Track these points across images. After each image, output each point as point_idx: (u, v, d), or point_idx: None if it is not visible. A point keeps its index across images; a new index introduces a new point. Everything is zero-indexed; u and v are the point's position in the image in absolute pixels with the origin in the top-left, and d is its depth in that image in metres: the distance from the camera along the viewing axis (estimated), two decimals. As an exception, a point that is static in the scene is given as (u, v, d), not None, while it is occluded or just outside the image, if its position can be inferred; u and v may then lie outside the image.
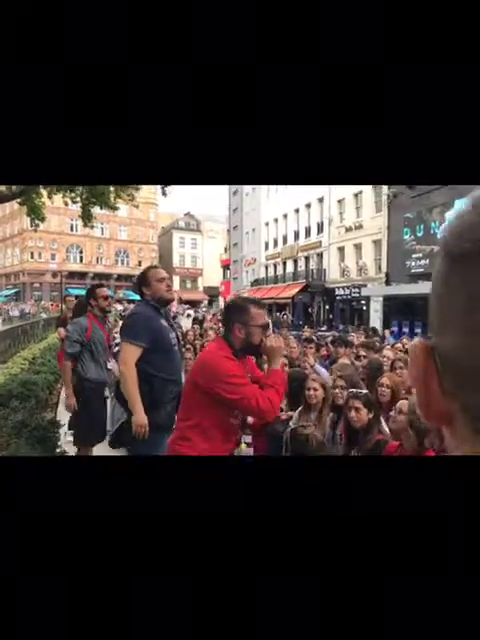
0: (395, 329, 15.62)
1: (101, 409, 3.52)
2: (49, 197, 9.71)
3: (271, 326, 2.07)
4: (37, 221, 10.25)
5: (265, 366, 2.32)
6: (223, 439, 1.95)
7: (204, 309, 24.90)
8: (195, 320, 10.13)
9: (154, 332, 2.51)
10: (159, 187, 9.16)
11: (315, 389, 2.83)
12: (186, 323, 8.18)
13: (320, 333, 13.62)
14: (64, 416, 4.18)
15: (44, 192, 9.50)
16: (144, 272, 2.76)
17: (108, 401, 3.59)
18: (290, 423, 2.85)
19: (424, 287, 14.05)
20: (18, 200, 9.67)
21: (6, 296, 36.87)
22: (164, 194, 9.24)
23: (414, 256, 15.45)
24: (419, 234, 15.25)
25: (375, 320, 16.96)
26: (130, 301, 31.14)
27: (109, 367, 3.56)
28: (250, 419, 2.48)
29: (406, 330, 15.11)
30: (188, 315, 9.71)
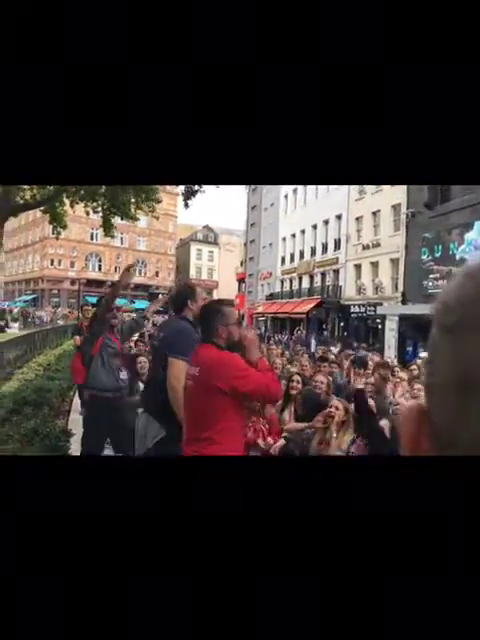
0: (410, 349, 15.43)
1: (103, 423, 3.34)
2: (71, 206, 9.91)
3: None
4: (59, 229, 10.46)
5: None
6: (242, 435, 2.09)
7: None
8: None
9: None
10: (181, 199, 9.27)
11: (337, 408, 2.82)
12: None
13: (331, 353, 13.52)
14: (75, 425, 4.21)
15: (67, 201, 9.70)
16: (192, 288, 2.89)
17: (139, 417, 3.32)
18: (303, 434, 2.85)
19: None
20: (41, 208, 9.88)
21: (25, 301, 37.47)
22: (186, 206, 9.34)
23: (431, 276, 15.30)
24: (437, 254, 15.12)
25: (390, 339, 16.78)
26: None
27: (121, 376, 3.49)
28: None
29: (421, 350, 14.92)
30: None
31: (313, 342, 15.85)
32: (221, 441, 1.95)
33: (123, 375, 3.54)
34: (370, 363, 4.78)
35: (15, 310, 28.33)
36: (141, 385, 4.68)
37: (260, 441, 2.88)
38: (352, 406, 2.96)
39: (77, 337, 5.62)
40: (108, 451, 3.48)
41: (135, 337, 5.28)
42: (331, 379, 4.00)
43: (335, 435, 2.75)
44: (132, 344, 5.32)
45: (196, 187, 8.88)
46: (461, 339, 0.26)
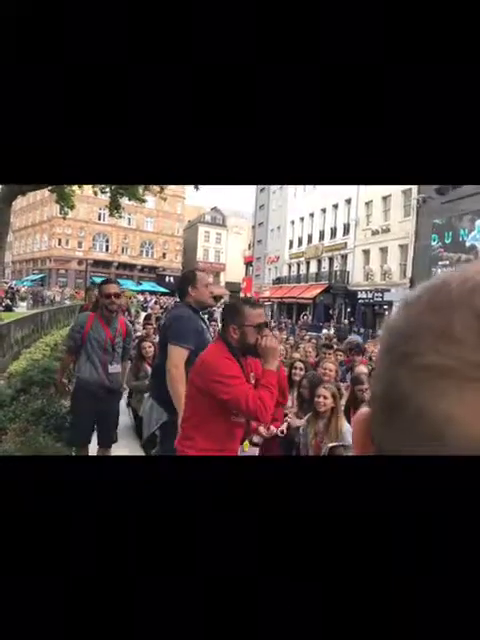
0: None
1: (89, 411, 3.35)
2: (79, 186, 9.89)
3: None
4: (66, 209, 10.46)
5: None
6: (225, 438, 1.98)
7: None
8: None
9: (198, 334, 2.60)
10: (191, 181, 9.21)
11: (325, 397, 2.84)
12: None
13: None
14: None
15: (75, 181, 9.67)
16: (193, 274, 2.83)
17: (145, 402, 3.31)
18: (300, 430, 2.87)
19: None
20: (49, 188, 9.86)
21: (32, 280, 37.64)
22: (197, 188, 9.26)
23: (440, 263, 15.17)
24: (447, 241, 14.97)
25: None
26: (152, 293, 31.36)
27: (111, 370, 3.34)
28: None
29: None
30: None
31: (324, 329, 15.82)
32: (193, 435, 1.94)
33: (113, 368, 3.36)
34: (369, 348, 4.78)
35: (23, 289, 28.50)
36: (148, 368, 4.69)
37: (262, 428, 2.90)
38: (344, 388, 2.98)
39: None
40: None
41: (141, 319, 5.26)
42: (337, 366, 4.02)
43: (328, 424, 2.77)
44: (140, 326, 5.31)
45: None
46: (389, 364, 0.28)
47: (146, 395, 3.38)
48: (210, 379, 1.89)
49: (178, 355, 2.54)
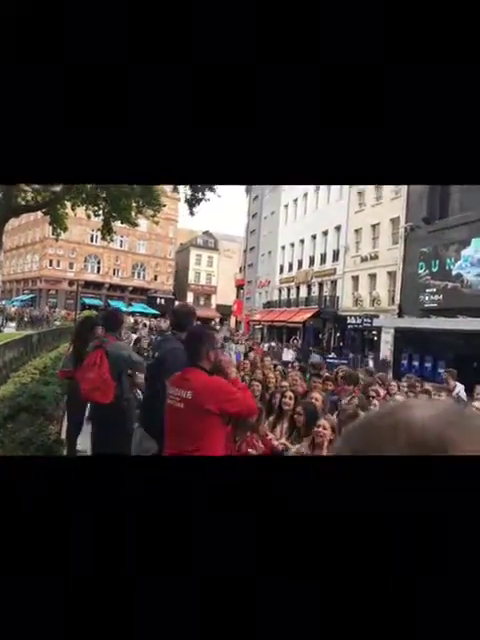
0: (405, 362, 15.50)
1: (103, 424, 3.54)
2: (73, 209, 9.93)
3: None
4: (59, 230, 10.47)
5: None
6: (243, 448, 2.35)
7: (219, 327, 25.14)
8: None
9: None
10: (182, 204, 9.31)
11: (325, 428, 2.87)
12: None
13: (329, 360, 13.56)
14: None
15: (68, 204, 9.72)
16: (193, 311, 3.04)
17: (134, 432, 3.40)
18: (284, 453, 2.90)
19: (436, 322, 13.96)
20: (42, 210, 9.90)
21: (22, 301, 37.38)
22: (192, 214, 9.36)
23: (428, 291, 15.40)
24: (434, 269, 15.22)
25: (385, 351, 16.84)
26: (143, 314, 31.19)
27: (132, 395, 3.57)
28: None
29: (416, 363, 14.98)
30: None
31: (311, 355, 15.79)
32: (205, 452, 2.07)
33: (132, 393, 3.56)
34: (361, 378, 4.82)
35: (12, 309, 28.26)
36: (139, 393, 4.67)
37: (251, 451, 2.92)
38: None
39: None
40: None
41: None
42: (325, 395, 4.04)
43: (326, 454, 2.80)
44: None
45: (200, 195, 8.90)
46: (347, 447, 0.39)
47: (136, 425, 3.36)
48: (223, 400, 2.11)
49: None
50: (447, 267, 14.51)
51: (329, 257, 24.13)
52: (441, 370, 11.79)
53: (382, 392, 4.22)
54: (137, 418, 3.40)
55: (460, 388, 5.74)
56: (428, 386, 5.37)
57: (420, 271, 15.77)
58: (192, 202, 8.83)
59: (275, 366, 5.48)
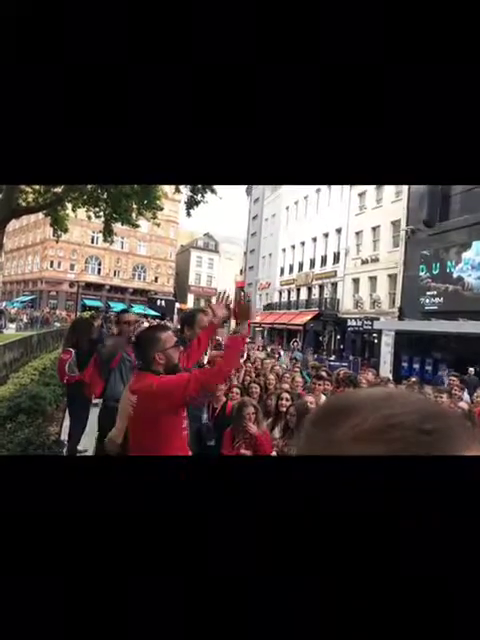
0: (405, 365, 15.49)
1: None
2: (73, 210, 9.94)
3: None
4: (60, 232, 10.47)
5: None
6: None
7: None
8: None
9: None
10: (183, 206, 9.29)
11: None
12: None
13: (330, 362, 13.56)
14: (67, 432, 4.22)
15: (69, 205, 9.73)
16: (194, 314, 3.00)
17: None
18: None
19: (437, 325, 13.95)
20: (43, 211, 9.90)
21: (22, 302, 37.41)
22: (188, 215, 9.37)
23: (428, 293, 15.39)
24: (435, 272, 15.22)
25: (386, 354, 16.82)
26: (144, 316, 31.32)
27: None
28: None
29: (417, 366, 14.97)
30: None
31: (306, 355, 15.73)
32: (165, 443, 2.04)
33: None
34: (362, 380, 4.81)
35: (13, 311, 28.29)
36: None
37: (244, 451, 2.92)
38: None
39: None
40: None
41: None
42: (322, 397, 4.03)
43: None
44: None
45: (199, 197, 8.90)
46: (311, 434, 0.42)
47: None
48: (173, 402, 2.00)
49: None
50: (448, 270, 14.50)
51: (330, 259, 24.14)
52: (441, 372, 11.78)
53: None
54: None
55: (466, 398, 5.69)
56: (428, 389, 5.35)
57: (421, 274, 15.77)
58: (190, 204, 8.83)
59: (272, 368, 5.47)
